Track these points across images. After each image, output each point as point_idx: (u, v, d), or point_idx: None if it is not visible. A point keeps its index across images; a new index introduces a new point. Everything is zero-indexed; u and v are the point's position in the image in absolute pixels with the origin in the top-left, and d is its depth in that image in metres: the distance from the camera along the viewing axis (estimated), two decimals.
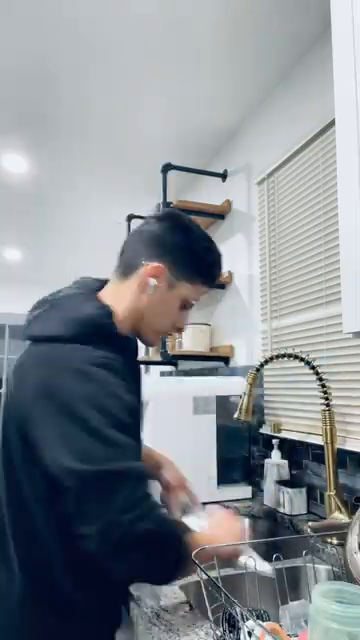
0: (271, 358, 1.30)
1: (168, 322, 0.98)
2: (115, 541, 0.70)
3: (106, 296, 0.95)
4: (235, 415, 1.23)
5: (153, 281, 0.92)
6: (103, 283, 1.00)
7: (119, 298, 0.93)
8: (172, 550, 0.76)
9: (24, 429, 0.79)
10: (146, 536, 0.72)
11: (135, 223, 2.66)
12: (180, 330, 1.01)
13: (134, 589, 0.91)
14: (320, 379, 1.25)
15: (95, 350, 0.82)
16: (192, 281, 0.95)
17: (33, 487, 0.80)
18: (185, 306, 0.97)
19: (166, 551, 0.76)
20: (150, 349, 2.58)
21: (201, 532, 0.86)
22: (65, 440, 0.74)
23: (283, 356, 1.29)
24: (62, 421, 0.75)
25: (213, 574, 0.73)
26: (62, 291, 0.96)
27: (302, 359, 1.27)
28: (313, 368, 1.26)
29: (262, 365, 1.30)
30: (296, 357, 1.27)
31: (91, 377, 0.78)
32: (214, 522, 0.94)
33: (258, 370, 1.30)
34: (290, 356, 1.28)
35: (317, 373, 1.25)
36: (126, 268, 0.95)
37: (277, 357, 1.30)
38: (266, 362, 1.30)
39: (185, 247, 0.94)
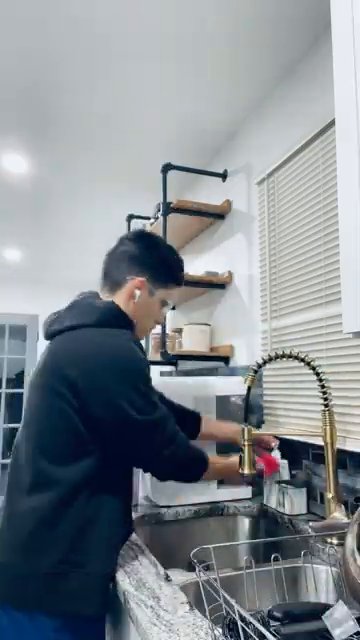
0: (270, 359, 1.30)
1: (152, 320, 1.26)
2: (163, 467, 1.11)
3: None
4: (239, 471, 1.23)
5: (138, 292, 1.18)
6: (98, 295, 1.23)
7: None
8: (199, 467, 1.18)
9: (76, 387, 1.00)
10: (181, 459, 1.12)
11: (135, 223, 2.66)
12: (158, 323, 1.31)
13: (134, 588, 0.91)
14: (320, 379, 1.25)
15: (123, 330, 1.10)
16: (167, 287, 1.23)
17: (74, 419, 1.01)
18: (162, 306, 1.26)
19: (194, 468, 1.17)
20: (150, 349, 2.58)
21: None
22: (125, 398, 1.01)
23: (282, 356, 1.29)
24: (111, 385, 1.01)
25: (212, 574, 0.73)
26: (72, 301, 1.19)
27: (302, 359, 1.27)
28: (313, 368, 1.26)
29: (260, 366, 1.30)
30: (295, 357, 1.27)
31: (127, 349, 1.06)
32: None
33: (256, 372, 1.30)
34: (289, 356, 1.28)
35: (317, 373, 1.25)
36: (113, 285, 1.19)
37: (276, 357, 1.30)
38: (264, 363, 1.30)
39: (159, 262, 1.21)
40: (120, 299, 1.17)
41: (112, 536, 1.03)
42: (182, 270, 1.28)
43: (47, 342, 1.14)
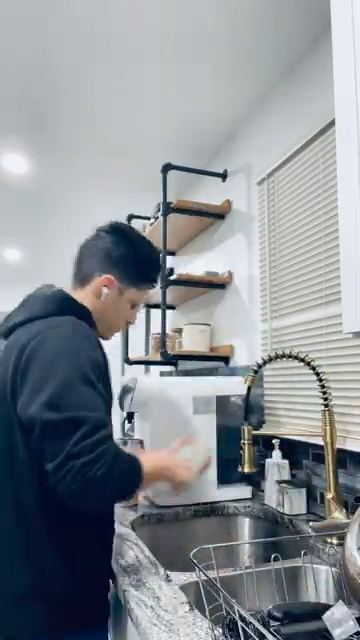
0: (270, 359, 1.30)
1: (122, 319, 1.17)
2: (68, 482, 0.80)
3: None
4: (239, 469, 1.23)
5: (106, 290, 1.10)
6: (53, 286, 1.15)
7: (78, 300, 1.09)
8: (123, 486, 0.90)
9: (15, 388, 0.92)
10: (95, 479, 0.81)
11: (135, 223, 2.66)
12: (130, 324, 1.20)
13: (134, 588, 0.91)
14: (320, 379, 1.25)
15: (68, 317, 0.99)
16: (137, 286, 1.14)
17: (15, 425, 0.92)
18: (134, 306, 1.16)
19: (118, 490, 0.89)
20: (150, 350, 2.58)
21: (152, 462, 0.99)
22: (36, 390, 0.87)
23: (282, 356, 1.29)
24: (36, 375, 0.89)
25: (212, 574, 0.73)
26: (26, 296, 1.12)
27: (301, 359, 1.27)
28: (313, 368, 1.26)
29: (260, 366, 1.30)
30: (295, 357, 1.27)
31: (65, 338, 0.94)
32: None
33: (256, 372, 1.30)
34: (289, 356, 1.28)
35: (317, 373, 1.25)
36: (83, 278, 1.12)
37: (276, 357, 1.30)
38: (264, 363, 1.30)
39: (130, 260, 1.12)
40: (88, 295, 1.10)
41: (102, 544, 1.00)
42: (157, 270, 1.18)
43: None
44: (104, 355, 1.03)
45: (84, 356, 0.92)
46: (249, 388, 1.30)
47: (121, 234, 1.15)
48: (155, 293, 1.23)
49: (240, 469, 1.23)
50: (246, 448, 1.24)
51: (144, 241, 1.17)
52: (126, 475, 0.88)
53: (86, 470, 0.80)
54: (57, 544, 0.91)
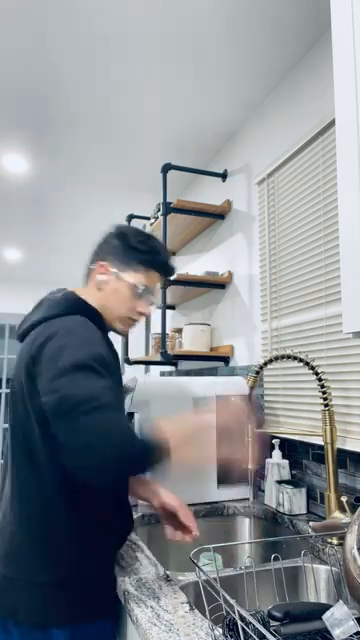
0: (270, 360, 1.30)
1: (125, 307, 1.13)
2: (74, 442, 0.81)
3: None
4: (242, 466, 1.25)
5: (101, 277, 1.12)
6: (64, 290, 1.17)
7: (85, 298, 1.12)
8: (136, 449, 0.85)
9: (32, 383, 0.95)
10: (97, 428, 0.81)
11: (135, 223, 2.66)
12: (143, 314, 1.15)
13: (134, 588, 0.91)
14: (320, 379, 1.25)
15: (77, 316, 1.02)
16: (135, 269, 1.12)
17: (32, 418, 0.95)
18: (140, 293, 1.12)
19: (123, 441, 0.84)
20: (150, 350, 2.58)
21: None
22: (43, 387, 0.91)
23: (282, 357, 1.29)
24: (44, 371, 0.92)
25: (212, 574, 0.73)
26: (40, 300, 1.14)
27: (301, 360, 1.27)
28: (312, 368, 1.26)
29: (262, 367, 1.31)
30: (295, 358, 1.27)
31: (71, 332, 0.97)
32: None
33: (258, 372, 1.31)
34: (289, 357, 1.28)
35: (317, 374, 1.26)
36: (86, 276, 1.17)
37: (277, 358, 1.30)
38: (265, 364, 1.31)
39: (120, 244, 1.13)
40: (91, 289, 1.13)
41: (109, 536, 1.02)
42: (157, 253, 1.15)
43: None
44: (114, 353, 1.06)
45: (87, 349, 0.93)
46: (251, 388, 1.30)
47: (117, 228, 1.18)
48: (152, 274, 1.18)
49: (244, 466, 1.24)
50: (250, 445, 1.26)
51: (139, 230, 1.18)
52: (128, 433, 0.85)
53: (86, 419, 0.81)
54: (77, 536, 0.95)
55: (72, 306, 1.06)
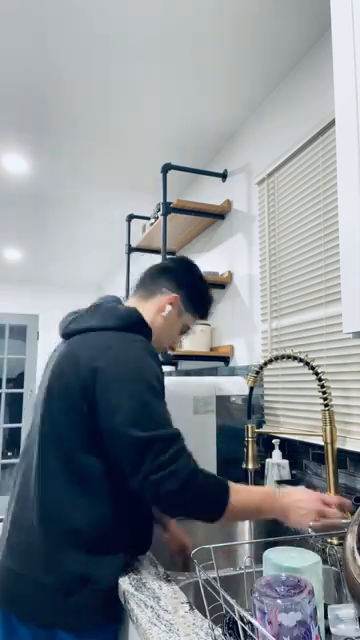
0: (270, 360, 1.30)
1: (170, 340, 1.24)
2: (152, 496, 0.89)
3: None
4: (243, 465, 1.26)
5: (169, 307, 1.18)
6: (120, 300, 1.22)
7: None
8: (206, 501, 0.91)
9: (86, 391, 0.97)
10: (173, 493, 0.88)
11: (135, 223, 2.66)
12: (173, 349, 1.29)
13: (134, 588, 0.91)
14: (320, 379, 1.25)
15: (140, 337, 1.05)
16: (194, 314, 1.24)
17: (83, 428, 0.97)
18: (183, 331, 1.25)
19: (198, 503, 0.91)
20: None
21: (241, 485, 0.97)
22: (117, 404, 0.93)
23: (282, 357, 1.29)
24: (117, 390, 0.94)
25: (212, 574, 0.73)
26: (93, 303, 1.17)
27: (301, 360, 1.27)
28: (312, 368, 1.26)
29: (262, 367, 1.31)
30: (295, 358, 1.27)
31: (140, 357, 1.00)
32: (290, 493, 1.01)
33: (258, 372, 1.31)
34: (289, 357, 1.28)
35: (317, 374, 1.25)
36: (146, 293, 1.20)
37: (277, 358, 1.30)
38: (265, 364, 1.31)
39: (195, 287, 1.23)
40: (150, 309, 1.17)
41: (127, 549, 1.02)
42: (210, 305, 1.29)
43: (60, 340, 1.14)
44: (163, 374, 1.09)
45: (153, 373, 0.99)
46: (251, 388, 1.31)
47: (189, 264, 1.27)
48: (198, 321, 1.34)
49: (244, 466, 1.25)
50: (250, 445, 1.27)
51: (204, 277, 1.29)
52: (205, 493, 0.91)
53: (164, 484, 0.87)
54: (96, 545, 0.96)
55: (134, 324, 1.08)
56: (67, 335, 1.10)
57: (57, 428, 0.99)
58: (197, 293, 1.24)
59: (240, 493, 0.93)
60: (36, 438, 1.03)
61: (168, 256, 1.26)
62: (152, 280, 1.22)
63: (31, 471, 1.01)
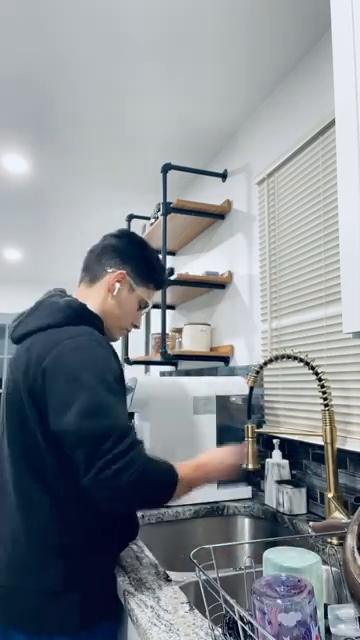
0: (270, 360, 1.30)
1: (129, 320, 1.19)
2: (104, 491, 0.86)
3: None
4: (242, 465, 1.25)
5: (118, 285, 1.13)
6: (65, 291, 1.17)
7: (88, 300, 1.12)
8: (159, 488, 0.93)
9: (35, 397, 0.95)
10: (130, 484, 0.85)
11: (135, 223, 2.66)
12: (136, 327, 1.22)
13: (134, 588, 0.91)
14: (320, 379, 1.25)
15: (84, 328, 1.02)
16: (147, 286, 1.18)
17: (37, 434, 0.95)
18: (141, 307, 1.20)
19: (153, 491, 0.91)
20: (150, 350, 2.58)
21: (186, 463, 1.01)
22: (67, 403, 0.90)
23: (282, 357, 1.29)
24: (65, 388, 0.91)
25: (212, 574, 0.73)
26: (37, 301, 1.13)
27: (301, 360, 1.27)
28: (312, 368, 1.26)
29: (262, 367, 1.31)
30: (295, 358, 1.27)
31: (86, 349, 0.96)
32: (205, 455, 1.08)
33: (258, 372, 1.31)
34: (289, 357, 1.28)
35: (317, 374, 1.26)
36: (92, 277, 1.15)
37: (276, 358, 1.30)
38: (265, 364, 1.31)
39: (142, 259, 1.17)
40: (98, 292, 1.13)
41: (114, 543, 1.03)
42: (163, 273, 1.24)
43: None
44: (119, 362, 1.05)
45: (104, 365, 0.96)
46: (251, 388, 1.31)
47: (131, 236, 1.21)
48: (155, 293, 1.25)
49: (244, 466, 1.24)
50: (250, 445, 1.26)
51: (150, 245, 1.23)
52: (158, 480, 0.92)
53: (120, 477, 0.84)
54: (83, 546, 0.96)
55: (76, 316, 1.04)
56: (17, 340, 1.07)
57: (20, 445, 0.98)
58: (144, 264, 1.17)
59: (184, 477, 0.96)
60: (6, 455, 1.01)
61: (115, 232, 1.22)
62: (96, 262, 1.16)
63: (8, 486, 1.00)
